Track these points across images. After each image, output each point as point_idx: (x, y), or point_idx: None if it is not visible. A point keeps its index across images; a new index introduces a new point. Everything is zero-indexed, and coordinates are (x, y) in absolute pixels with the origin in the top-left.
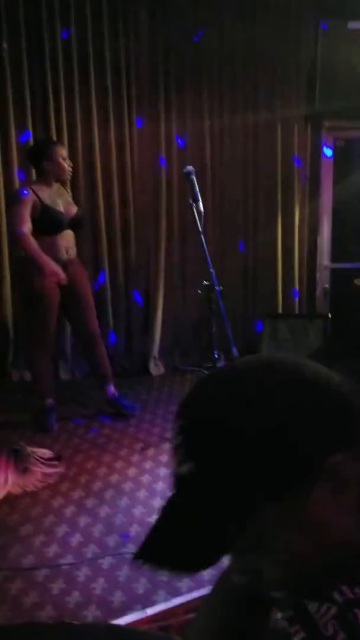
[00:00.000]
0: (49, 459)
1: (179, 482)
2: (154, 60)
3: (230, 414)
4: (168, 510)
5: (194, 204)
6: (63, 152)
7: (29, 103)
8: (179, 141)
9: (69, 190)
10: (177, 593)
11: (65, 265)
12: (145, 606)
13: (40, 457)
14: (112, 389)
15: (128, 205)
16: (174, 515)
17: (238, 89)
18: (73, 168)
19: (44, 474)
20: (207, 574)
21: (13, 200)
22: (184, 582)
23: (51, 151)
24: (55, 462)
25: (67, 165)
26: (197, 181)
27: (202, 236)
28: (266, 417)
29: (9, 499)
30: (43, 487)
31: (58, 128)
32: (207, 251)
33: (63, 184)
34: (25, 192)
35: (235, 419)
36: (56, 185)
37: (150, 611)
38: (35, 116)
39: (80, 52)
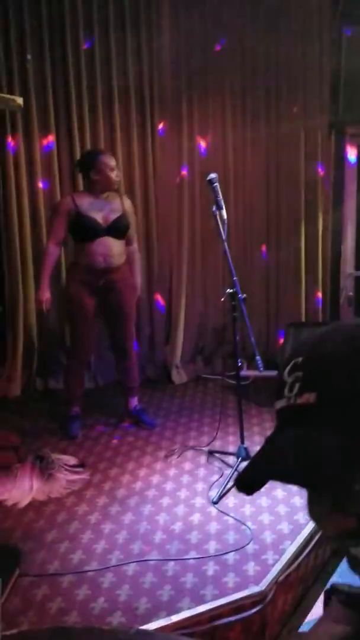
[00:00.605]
0: (73, 466)
1: (296, 413)
2: (177, 70)
3: (351, 350)
4: (281, 444)
5: (217, 212)
6: (110, 162)
7: (52, 113)
8: (202, 149)
9: (125, 200)
10: (201, 601)
11: (102, 272)
12: (170, 613)
13: (65, 464)
14: (135, 402)
15: (151, 213)
16: (287, 447)
17: (261, 97)
18: None
19: (69, 481)
20: (232, 582)
21: (52, 209)
22: (209, 590)
23: (97, 162)
24: (80, 469)
25: (114, 175)
26: (220, 189)
27: (225, 244)
28: None
29: (34, 505)
30: (68, 493)
31: (81, 138)
32: (230, 259)
33: (116, 193)
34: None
35: (355, 354)
36: (105, 194)
37: (175, 618)
38: (59, 126)
39: (103, 62)
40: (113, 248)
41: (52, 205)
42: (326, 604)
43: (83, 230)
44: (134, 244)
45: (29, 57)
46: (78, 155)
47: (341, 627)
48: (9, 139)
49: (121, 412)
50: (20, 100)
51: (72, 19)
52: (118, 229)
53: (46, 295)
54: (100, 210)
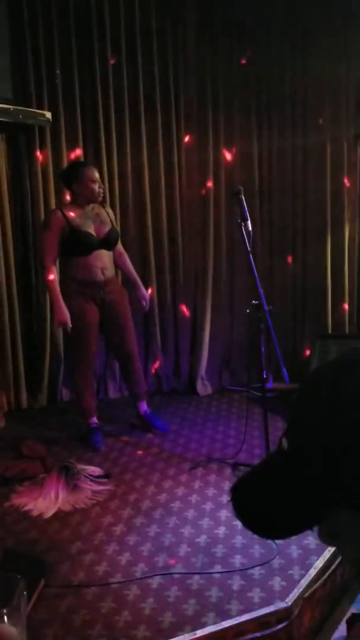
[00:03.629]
0: (98, 477)
1: (278, 452)
2: (202, 81)
3: (322, 409)
4: (264, 468)
5: (243, 223)
6: (93, 174)
7: (80, 126)
8: (227, 161)
9: (108, 210)
10: (227, 616)
11: (101, 285)
12: (194, 628)
13: (90, 475)
14: (144, 406)
15: (176, 225)
16: (266, 475)
17: (286, 108)
18: (123, 187)
19: (94, 492)
20: (258, 597)
21: (43, 225)
22: (234, 605)
23: (80, 174)
24: (105, 480)
25: (97, 187)
26: (245, 200)
27: (250, 255)
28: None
29: (60, 515)
30: (93, 504)
31: (108, 150)
32: (255, 270)
33: (99, 204)
34: (53, 218)
35: (325, 414)
36: (90, 206)
37: (200, 633)
38: (86, 140)
39: (129, 75)
40: (107, 260)
41: (43, 222)
42: (349, 629)
43: (79, 246)
44: (120, 245)
45: (57, 72)
46: (105, 168)
47: None
48: (38, 153)
49: (134, 419)
50: (49, 115)
51: (99, 34)
52: (111, 241)
53: (66, 313)
54: (93, 223)
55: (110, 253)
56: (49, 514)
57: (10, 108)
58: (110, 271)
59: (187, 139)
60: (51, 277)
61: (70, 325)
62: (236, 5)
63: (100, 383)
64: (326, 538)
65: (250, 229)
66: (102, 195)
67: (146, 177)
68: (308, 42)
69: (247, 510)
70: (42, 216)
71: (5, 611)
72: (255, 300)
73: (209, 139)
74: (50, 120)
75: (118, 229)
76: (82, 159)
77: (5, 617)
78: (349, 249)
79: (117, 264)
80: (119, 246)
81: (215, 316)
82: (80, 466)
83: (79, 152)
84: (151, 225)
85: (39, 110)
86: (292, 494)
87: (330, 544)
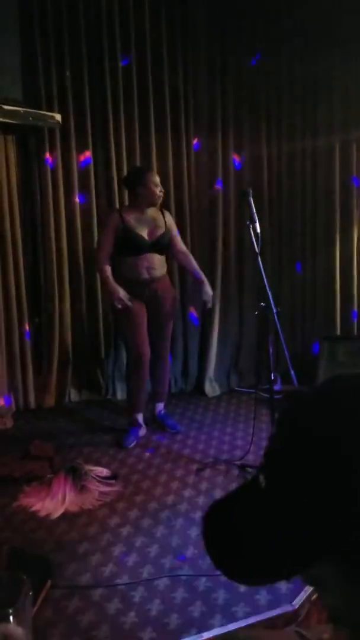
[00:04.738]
0: (106, 478)
1: (253, 486)
2: (212, 84)
3: (292, 434)
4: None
5: (251, 226)
6: (155, 178)
7: (89, 129)
8: (236, 163)
9: (166, 214)
10: (233, 618)
11: (147, 283)
12: (201, 630)
13: (97, 476)
14: (160, 407)
15: (185, 227)
16: (242, 509)
17: (296, 111)
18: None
19: (101, 493)
20: (264, 599)
21: (102, 224)
22: (241, 607)
23: (145, 178)
24: (112, 481)
25: (158, 190)
26: (254, 203)
27: (259, 257)
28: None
29: (67, 516)
30: (100, 505)
31: (117, 152)
32: (264, 272)
33: (158, 208)
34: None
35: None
36: (150, 210)
37: (206, 635)
38: (96, 142)
39: (139, 78)
40: (155, 262)
41: (101, 221)
42: None
43: (129, 246)
44: (182, 245)
45: (67, 74)
46: (114, 171)
47: None
48: (47, 155)
49: (155, 423)
50: (58, 117)
51: (109, 37)
52: (162, 245)
53: (122, 291)
54: (147, 226)
55: (161, 256)
56: (56, 514)
57: (20, 110)
58: (158, 271)
59: (195, 141)
60: (104, 270)
61: (129, 303)
62: (246, 9)
63: (109, 384)
64: (307, 581)
65: (258, 230)
66: (161, 198)
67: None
68: (317, 43)
69: (217, 541)
70: (52, 219)
71: (10, 611)
72: (264, 302)
73: (218, 142)
74: (60, 122)
75: (176, 232)
76: (89, 161)
77: (11, 617)
78: (357, 251)
79: (182, 263)
80: (182, 246)
81: (223, 318)
82: (88, 467)
83: (88, 153)
84: None
85: (49, 113)
86: (266, 533)
87: (312, 586)
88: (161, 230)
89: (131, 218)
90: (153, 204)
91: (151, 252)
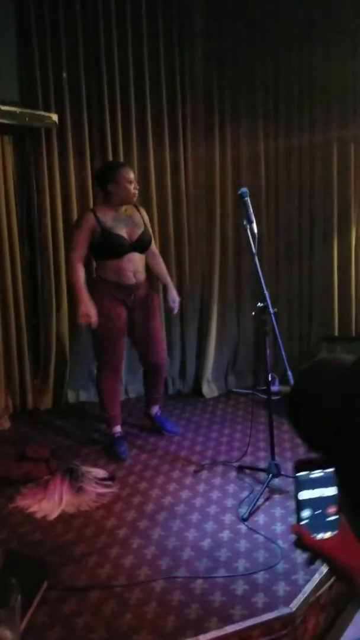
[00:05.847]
0: (103, 479)
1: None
2: (209, 82)
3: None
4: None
5: (248, 226)
6: (129, 175)
7: (86, 128)
8: (234, 161)
9: (142, 212)
10: (230, 620)
11: (132, 289)
12: (197, 633)
13: (94, 477)
14: (156, 409)
15: (182, 227)
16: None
17: (294, 109)
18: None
19: (98, 494)
20: (262, 602)
21: (74, 224)
22: (237, 610)
23: (116, 174)
24: (109, 482)
25: (132, 188)
26: (251, 202)
27: (256, 257)
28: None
29: (64, 517)
30: (97, 507)
31: (114, 151)
32: (260, 272)
33: (133, 205)
34: (85, 217)
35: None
36: (124, 208)
37: (203, 638)
38: (93, 140)
39: (136, 74)
40: (140, 263)
41: (74, 221)
42: None
43: (111, 248)
44: (154, 246)
45: (64, 75)
46: None
47: None
48: (44, 156)
49: (150, 424)
50: (55, 117)
51: (106, 36)
52: (143, 244)
53: (91, 307)
54: (125, 226)
55: (142, 256)
56: (53, 516)
57: (17, 110)
58: (142, 275)
59: (193, 140)
60: (76, 273)
61: (96, 320)
62: (244, 5)
63: None
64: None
65: (255, 231)
66: (136, 196)
67: (152, 178)
68: (316, 40)
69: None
70: (49, 219)
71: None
72: (261, 303)
73: (215, 140)
74: (57, 122)
75: (151, 230)
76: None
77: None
78: (355, 251)
79: (150, 264)
80: (153, 247)
81: (221, 319)
82: (85, 468)
83: (85, 154)
84: (157, 226)
85: (46, 113)
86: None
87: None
88: (140, 229)
89: (107, 218)
90: (127, 202)
91: (134, 253)
